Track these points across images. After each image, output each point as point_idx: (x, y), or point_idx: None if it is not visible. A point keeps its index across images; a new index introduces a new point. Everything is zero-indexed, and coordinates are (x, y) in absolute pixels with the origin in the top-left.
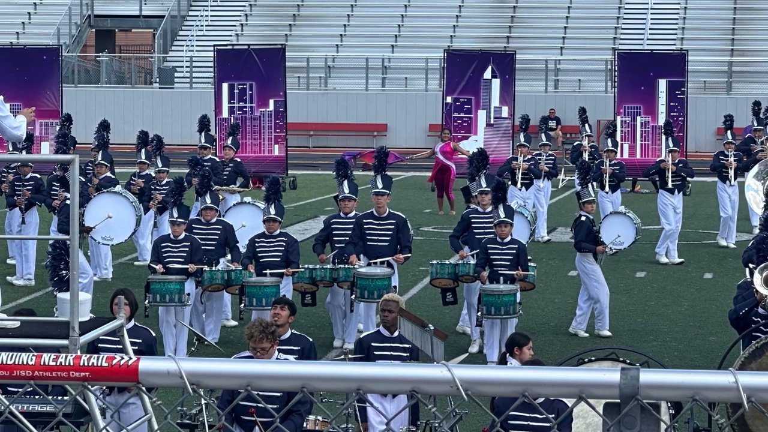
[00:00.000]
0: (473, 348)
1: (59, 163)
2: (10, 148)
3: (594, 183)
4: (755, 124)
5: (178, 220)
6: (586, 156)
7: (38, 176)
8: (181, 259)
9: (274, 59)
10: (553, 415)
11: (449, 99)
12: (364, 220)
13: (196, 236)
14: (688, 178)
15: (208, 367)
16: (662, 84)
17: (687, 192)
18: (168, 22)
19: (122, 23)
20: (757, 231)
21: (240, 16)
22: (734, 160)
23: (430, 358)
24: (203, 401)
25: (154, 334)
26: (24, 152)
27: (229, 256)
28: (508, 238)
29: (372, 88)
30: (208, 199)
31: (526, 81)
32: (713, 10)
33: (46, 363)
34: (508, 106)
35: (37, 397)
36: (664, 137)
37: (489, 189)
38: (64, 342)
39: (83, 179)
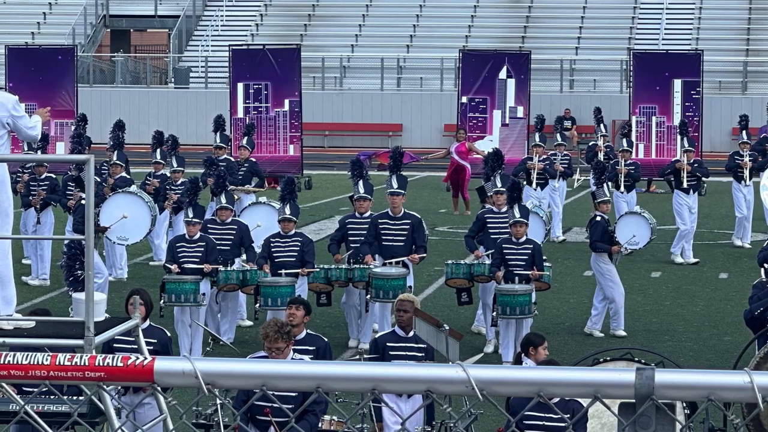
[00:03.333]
0: (488, 348)
1: (74, 163)
2: (26, 148)
3: (609, 183)
4: None
5: (193, 220)
6: (601, 156)
7: (53, 176)
8: (196, 259)
9: (289, 59)
10: (569, 415)
11: (464, 99)
12: (380, 220)
13: (211, 236)
14: (704, 178)
15: (224, 367)
16: (677, 84)
17: (702, 192)
18: (183, 22)
19: (137, 23)
20: None
21: (255, 16)
22: (749, 160)
23: (446, 358)
24: (218, 401)
25: (169, 334)
26: (39, 152)
27: (244, 256)
28: (524, 238)
29: (387, 88)
30: (223, 199)
31: (542, 81)
32: (728, 10)
33: (62, 363)
34: (524, 106)
35: (52, 397)
36: (679, 137)
37: (504, 189)
38: (80, 342)
39: (98, 179)
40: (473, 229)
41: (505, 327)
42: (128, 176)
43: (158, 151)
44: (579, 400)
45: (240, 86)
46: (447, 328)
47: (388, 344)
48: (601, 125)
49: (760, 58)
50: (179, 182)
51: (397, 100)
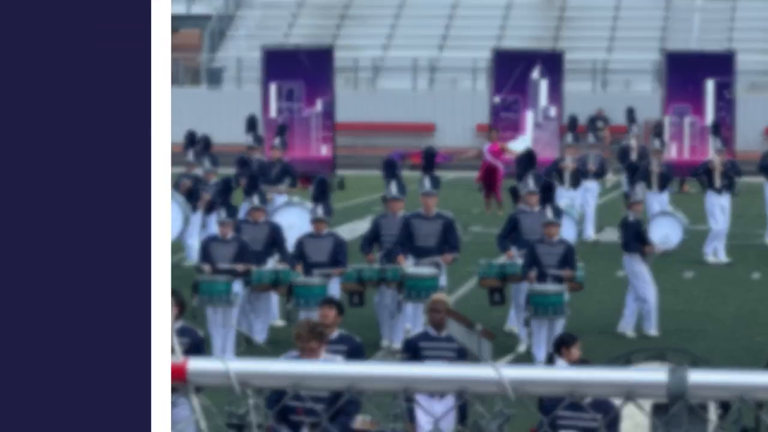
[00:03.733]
0: (521, 348)
1: None
2: None
3: (642, 183)
4: None
5: (226, 220)
6: (634, 156)
7: None
8: (229, 260)
9: (321, 60)
10: (601, 415)
11: (497, 99)
12: (412, 220)
13: (243, 236)
14: (736, 178)
15: (256, 367)
16: (710, 84)
17: (735, 192)
18: (216, 22)
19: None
20: None
21: (288, 16)
22: None
23: (478, 358)
24: (251, 401)
25: (201, 334)
26: None
27: (276, 257)
28: (556, 238)
29: (420, 88)
30: (255, 200)
31: (574, 81)
32: (762, 10)
33: None
34: (556, 106)
35: None
36: (711, 137)
37: (537, 189)
38: None
39: None
40: (506, 229)
41: (538, 327)
42: None
43: (191, 151)
44: (611, 399)
45: (273, 87)
46: (479, 328)
47: (420, 344)
48: (634, 125)
49: None
50: (212, 182)
51: (430, 100)
